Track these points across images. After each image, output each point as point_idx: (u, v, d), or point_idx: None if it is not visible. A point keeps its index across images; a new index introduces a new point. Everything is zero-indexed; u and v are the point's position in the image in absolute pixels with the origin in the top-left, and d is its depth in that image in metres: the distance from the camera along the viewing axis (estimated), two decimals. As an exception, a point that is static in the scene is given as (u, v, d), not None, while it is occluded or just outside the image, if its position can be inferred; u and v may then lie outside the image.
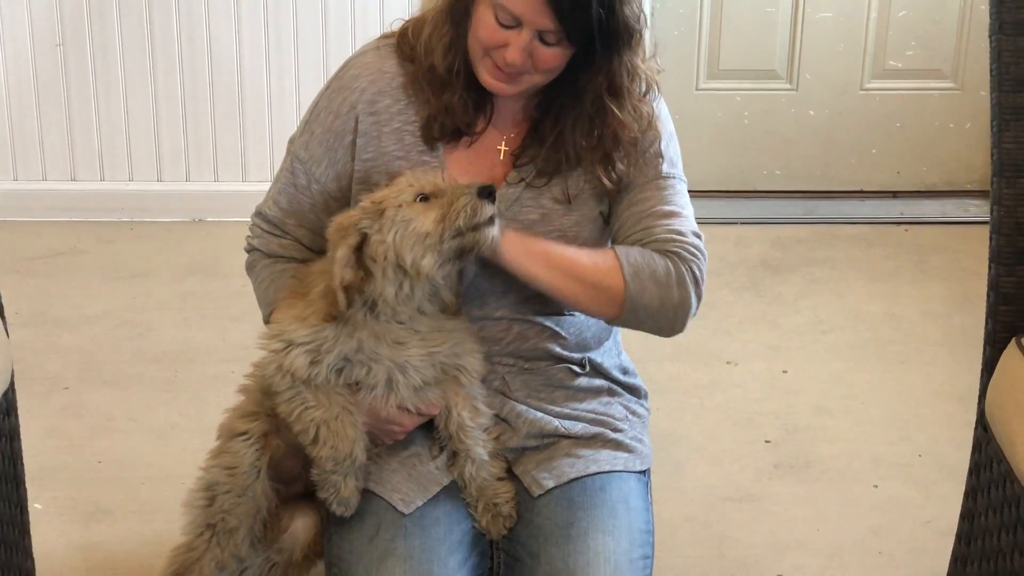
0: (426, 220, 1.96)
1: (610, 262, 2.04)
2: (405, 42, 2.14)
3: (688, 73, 4.39)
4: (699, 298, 2.07)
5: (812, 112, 4.44)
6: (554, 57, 2.01)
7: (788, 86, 4.42)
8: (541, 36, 1.98)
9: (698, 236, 2.10)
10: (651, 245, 2.07)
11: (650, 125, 2.11)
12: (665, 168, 2.14)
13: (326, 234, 2.05)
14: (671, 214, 2.11)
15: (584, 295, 2.06)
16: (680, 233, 2.08)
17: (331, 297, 1.98)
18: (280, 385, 2.07)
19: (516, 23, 1.98)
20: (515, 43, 1.98)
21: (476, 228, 1.96)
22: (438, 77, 2.09)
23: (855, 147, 4.48)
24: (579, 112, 2.08)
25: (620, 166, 2.11)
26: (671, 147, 2.16)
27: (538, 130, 2.13)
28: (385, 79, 2.14)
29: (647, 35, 2.09)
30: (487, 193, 1.96)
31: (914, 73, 4.42)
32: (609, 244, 2.16)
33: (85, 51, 4.18)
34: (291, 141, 2.22)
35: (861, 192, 4.52)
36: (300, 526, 2.25)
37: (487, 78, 2.05)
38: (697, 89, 4.41)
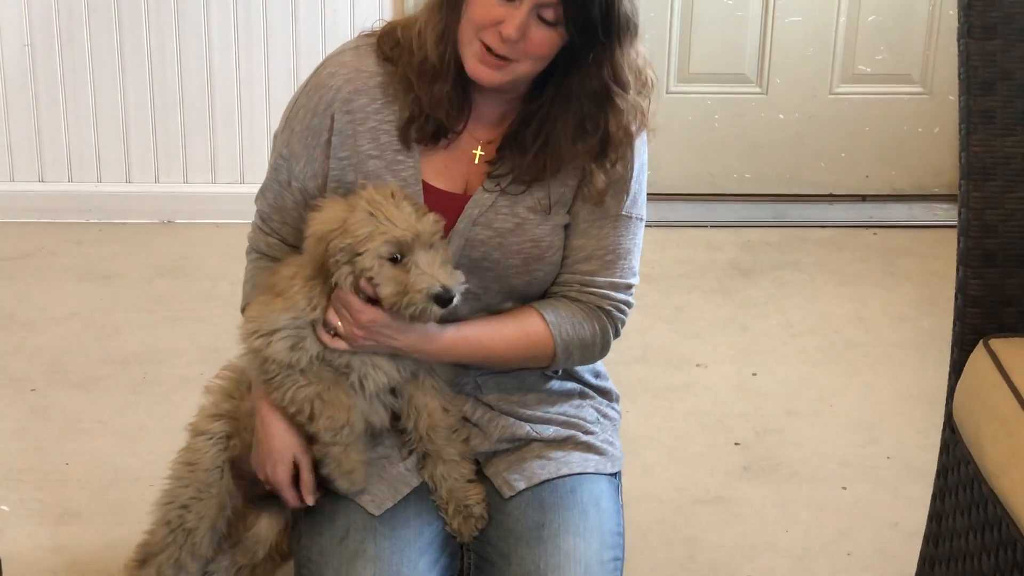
0: (385, 287, 1.99)
1: (543, 340, 2.14)
2: (386, 42, 2.13)
3: (658, 76, 4.38)
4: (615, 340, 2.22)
5: (782, 116, 4.45)
6: (546, 41, 1.99)
7: (758, 90, 4.43)
8: (540, 14, 1.97)
9: (633, 286, 2.19)
10: (586, 298, 2.15)
11: (644, 121, 2.11)
12: (626, 207, 2.15)
13: (305, 234, 2.06)
14: (618, 259, 2.16)
15: (515, 366, 2.21)
16: (615, 287, 2.16)
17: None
18: (269, 373, 2.08)
19: None
20: (513, 16, 1.96)
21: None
22: (431, 67, 2.07)
23: (824, 151, 4.50)
24: (571, 115, 2.07)
25: (619, 167, 2.11)
26: (640, 181, 2.16)
27: (518, 138, 2.11)
28: (362, 78, 2.13)
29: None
30: (442, 301, 1.99)
31: (883, 78, 4.44)
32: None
33: (53, 52, 4.16)
34: (275, 137, 2.22)
35: (830, 196, 4.54)
36: (264, 525, 2.25)
37: (473, 63, 2.02)
38: (667, 92, 4.42)
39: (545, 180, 2.11)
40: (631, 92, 2.08)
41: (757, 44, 4.37)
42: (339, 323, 2.05)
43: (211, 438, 2.18)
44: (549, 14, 1.97)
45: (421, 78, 2.08)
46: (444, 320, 2.08)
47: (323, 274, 2.03)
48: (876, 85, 4.45)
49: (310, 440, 2.12)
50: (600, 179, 2.10)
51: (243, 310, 2.23)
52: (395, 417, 2.17)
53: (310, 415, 2.07)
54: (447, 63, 2.06)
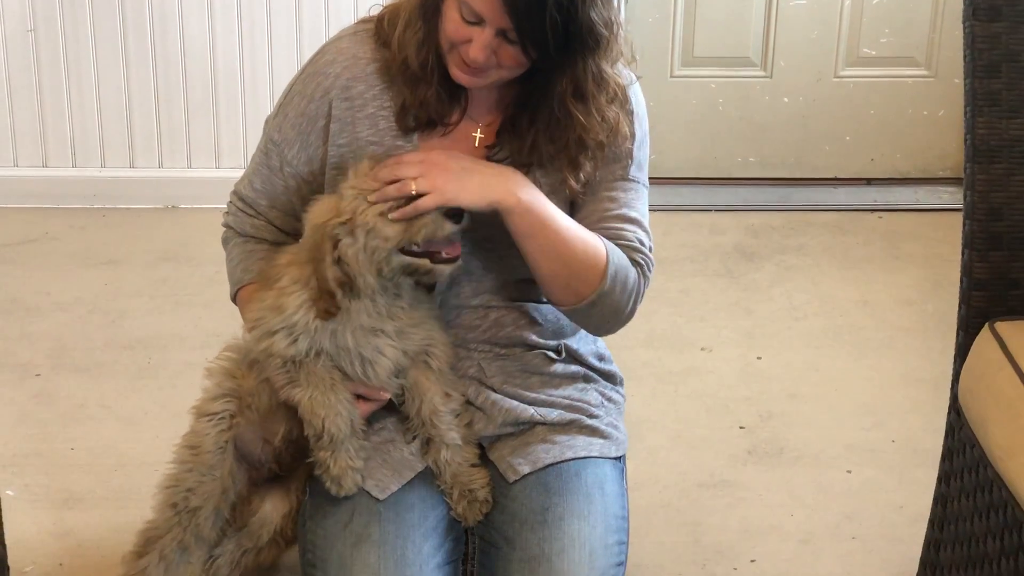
0: (391, 229, 1.98)
1: (598, 254, 2.05)
2: (383, 27, 2.13)
3: (662, 60, 4.39)
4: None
5: (786, 99, 4.44)
6: (515, 56, 1.99)
7: (762, 73, 4.42)
8: (504, 34, 1.97)
9: (650, 246, 2.14)
10: (620, 248, 2.09)
11: (616, 131, 2.09)
12: (632, 171, 2.14)
13: (304, 220, 2.06)
14: (634, 221, 2.13)
15: (559, 279, 2.07)
16: (643, 244, 2.12)
17: (327, 297, 2.01)
18: (275, 368, 2.08)
19: (479, 20, 1.97)
20: (478, 40, 1.97)
21: (433, 259, 2.00)
22: (412, 73, 2.08)
23: (829, 134, 4.49)
24: (549, 113, 2.07)
25: (587, 169, 2.10)
26: (642, 150, 2.16)
27: (515, 124, 2.11)
28: (360, 65, 2.13)
29: (621, 35, 2.06)
30: (452, 214, 1.97)
31: (888, 61, 4.43)
32: None
33: (57, 37, 4.16)
34: (266, 122, 2.22)
35: (835, 179, 4.53)
36: (269, 509, 2.25)
37: (455, 71, 2.05)
38: (671, 76, 4.41)
39: (544, 165, 2.11)
40: (595, 103, 2.05)
41: (762, 27, 4.36)
42: (407, 185, 1.99)
43: (214, 418, 2.19)
44: (512, 34, 1.96)
45: (405, 82, 2.09)
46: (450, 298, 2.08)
47: (320, 256, 2.01)
48: (881, 68, 4.43)
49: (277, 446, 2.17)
50: (571, 184, 2.10)
51: (234, 296, 2.24)
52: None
53: (302, 414, 2.09)
54: (430, 68, 2.07)
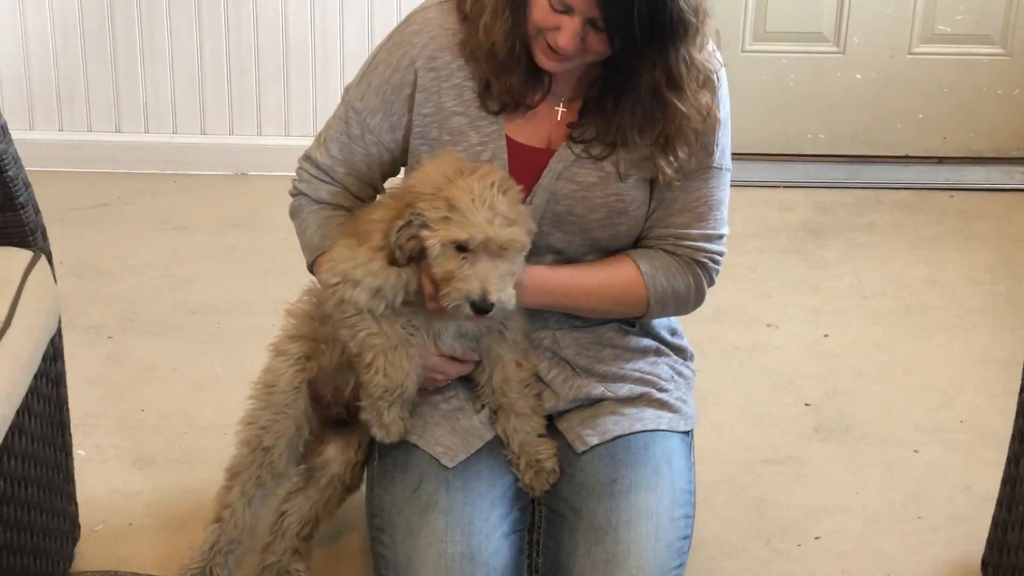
0: (438, 268, 2.00)
1: (636, 288, 2.16)
2: (464, 4, 2.13)
3: (734, 35, 4.35)
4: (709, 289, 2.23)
5: (859, 76, 4.40)
6: (603, 43, 2.00)
7: (835, 49, 4.38)
8: (593, 23, 1.97)
9: (724, 235, 2.20)
10: (681, 251, 2.17)
11: (710, 115, 2.10)
12: (716, 158, 2.16)
13: (406, 176, 2.12)
14: (710, 210, 2.17)
15: (606, 314, 2.22)
16: (708, 239, 2.17)
17: (388, 251, 2.04)
18: (343, 313, 2.10)
19: (568, 9, 1.97)
20: (567, 28, 1.98)
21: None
22: (499, 61, 2.09)
23: (901, 112, 4.44)
24: (636, 99, 2.07)
25: (682, 156, 2.11)
26: (725, 134, 2.16)
27: (599, 104, 2.11)
28: (447, 36, 2.13)
29: (709, 23, 2.06)
30: (477, 308, 1.98)
31: (963, 38, 4.37)
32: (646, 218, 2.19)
33: (132, 3, 4.19)
34: (346, 91, 2.22)
35: (906, 157, 4.48)
36: (333, 452, 2.33)
37: (540, 56, 2.05)
38: (743, 51, 4.38)
39: (627, 145, 2.11)
40: (689, 90, 2.06)
41: (835, 3, 4.32)
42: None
43: (289, 359, 2.24)
44: (601, 22, 1.97)
45: (491, 69, 2.10)
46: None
47: (396, 215, 2.03)
48: (955, 46, 4.38)
49: (341, 390, 2.19)
50: (666, 171, 2.11)
51: (311, 265, 2.24)
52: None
53: (369, 364, 2.09)
54: (516, 56, 2.08)
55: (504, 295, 1.99)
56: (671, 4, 1.95)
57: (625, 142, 2.10)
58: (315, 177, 2.25)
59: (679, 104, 2.05)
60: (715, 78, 2.10)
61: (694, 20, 2.00)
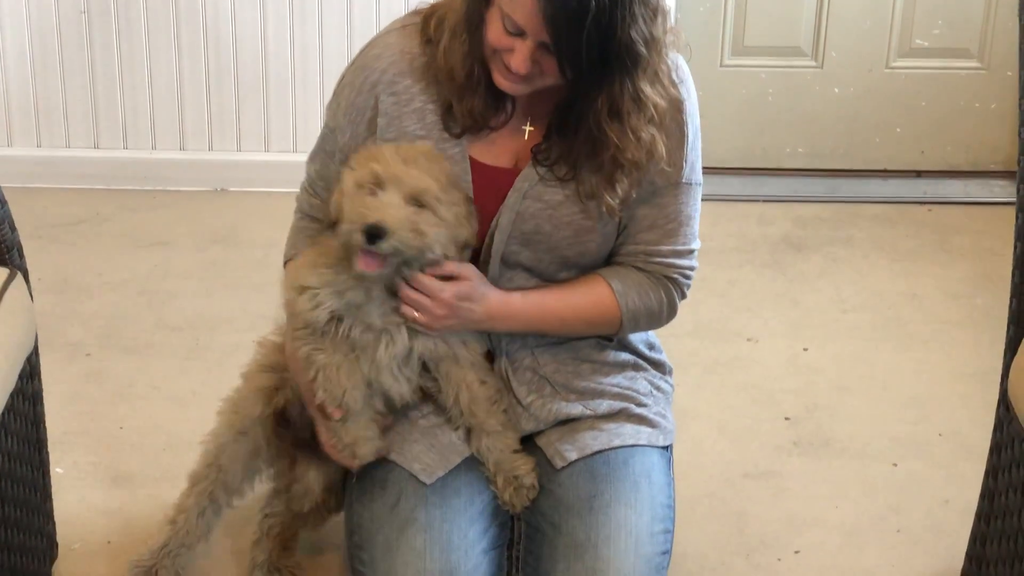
0: (341, 198, 2.02)
1: (608, 308, 2.17)
2: (428, 27, 2.13)
3: (713, 49, 4.37)
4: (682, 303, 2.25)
5: (837, 90, 4.42)
6: (557, 67, 1.98)
7: (813, 63, 4.40)
8: (546, 46, 1.96)
9: (695, 250, 2.20)
10: (652, 267, 2.17)
11: (653, 152, 2.06)
12: (685, 174, 2.15)
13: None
14: (680, 226, 2.16)
15: (580, 335, 2.23)
16: (679, 255, 2.17)
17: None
18: (295, 326, 2.11)
19: (520, 32, 1.96)
20: (519, 51, 1.97)
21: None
22: (458, 84, 2.08)
23: (879, 126, 4.46)
24: (586, 126, 2.05)
25: (624, 187, 2.09)
26: (694, 150, 2.15)
27: (561, 127, 2.09)
28: (407, 60, 2.13)
29: (667, 56, 2.04)
30: (370, 235, 1.96)
31: (940, 52, 4.39)
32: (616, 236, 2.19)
33: (110, 18, 4.18)
34: (327, 107, 2.24)
35: (884, 171, 4.50)
36: (312, 477, 2.34)
37: (498, 77, 2.04)
38: (721, 66, 4.39)
39: (582, 171, 2.10)
40: (630, 123, 2.03)
41: (813, 17, 4.34)
42: (416, 315, 2.07)
43: (257, 389, 2.29)
44: (551, 46, 1.95)
45: (452, 92, 2.09)
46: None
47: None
48: (933, 60, 4.40)
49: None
50: (607, 200, 2.09)
51: (285, 264, 2.29)
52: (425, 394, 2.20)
53: (313, 379, 2.10)
54: (475, 79, 2.07)
55: (406, 235, 1.96)
56: (621, 34, 1.92)
57: (582, 166, 2.09)
58: (304, 190, 2.30)
59: (615, 136, 2.02)
60: (668, 115, 2.07)
61: (645, 52, 1.97)
